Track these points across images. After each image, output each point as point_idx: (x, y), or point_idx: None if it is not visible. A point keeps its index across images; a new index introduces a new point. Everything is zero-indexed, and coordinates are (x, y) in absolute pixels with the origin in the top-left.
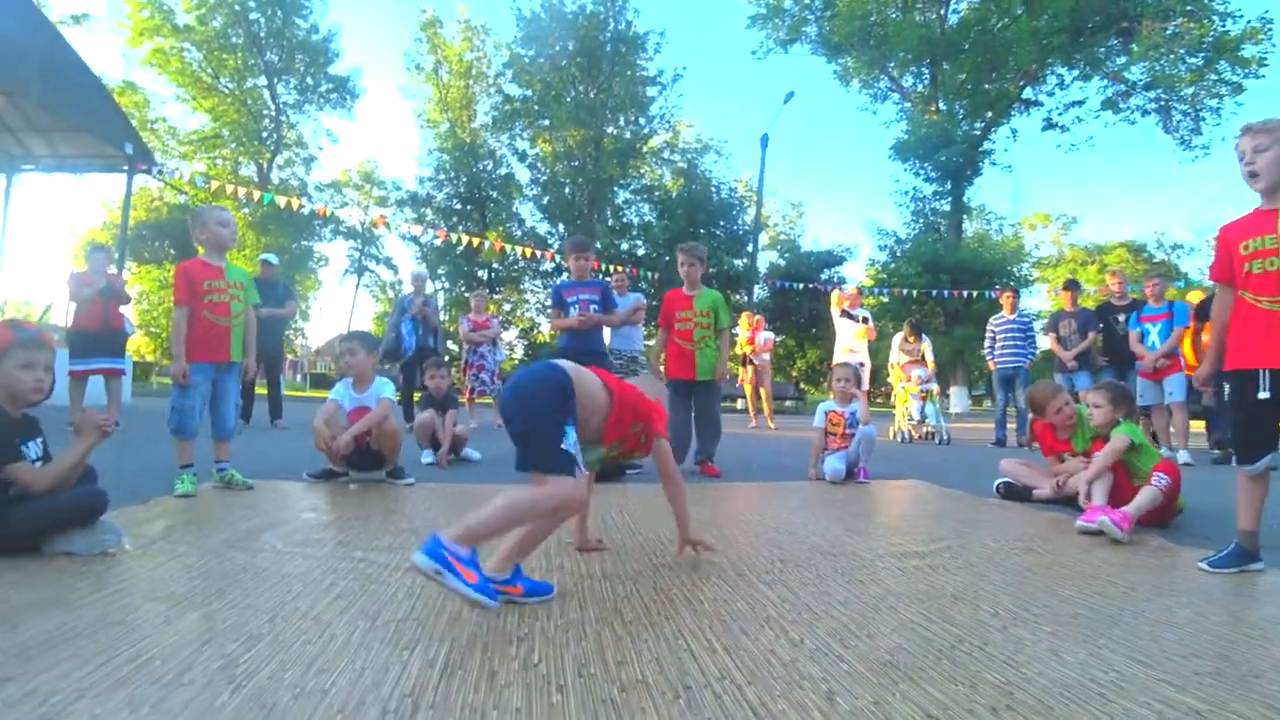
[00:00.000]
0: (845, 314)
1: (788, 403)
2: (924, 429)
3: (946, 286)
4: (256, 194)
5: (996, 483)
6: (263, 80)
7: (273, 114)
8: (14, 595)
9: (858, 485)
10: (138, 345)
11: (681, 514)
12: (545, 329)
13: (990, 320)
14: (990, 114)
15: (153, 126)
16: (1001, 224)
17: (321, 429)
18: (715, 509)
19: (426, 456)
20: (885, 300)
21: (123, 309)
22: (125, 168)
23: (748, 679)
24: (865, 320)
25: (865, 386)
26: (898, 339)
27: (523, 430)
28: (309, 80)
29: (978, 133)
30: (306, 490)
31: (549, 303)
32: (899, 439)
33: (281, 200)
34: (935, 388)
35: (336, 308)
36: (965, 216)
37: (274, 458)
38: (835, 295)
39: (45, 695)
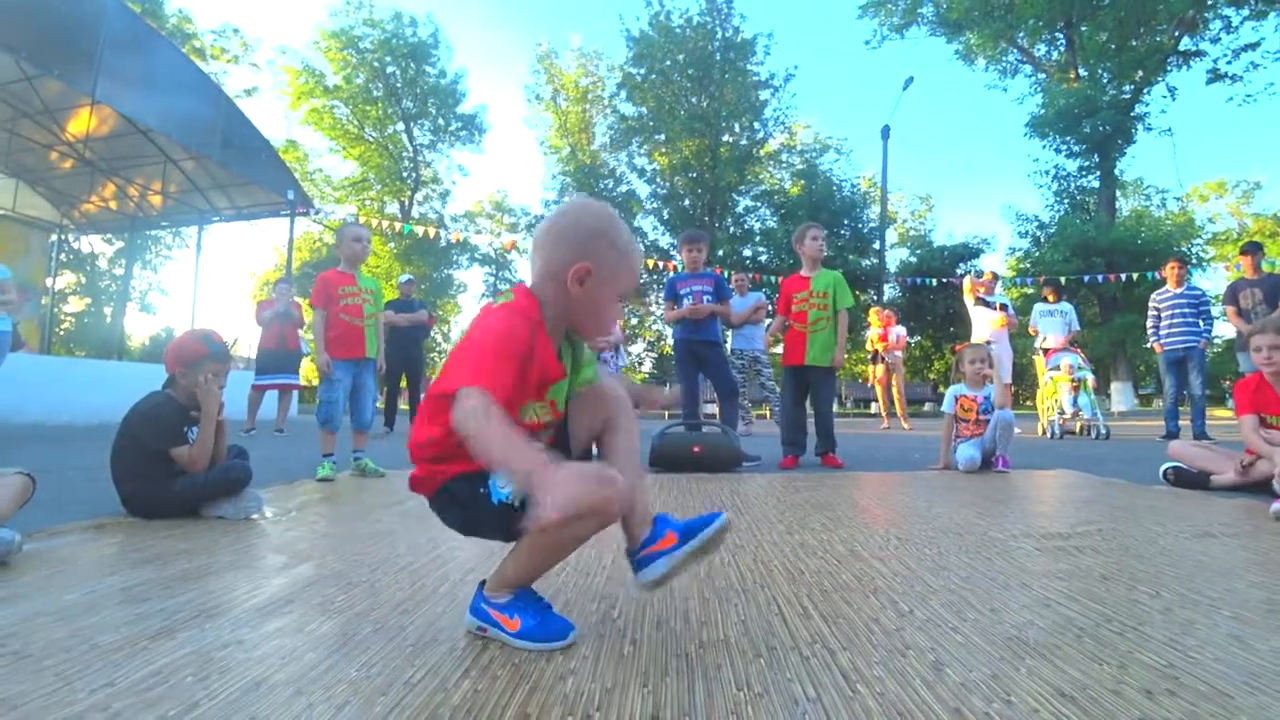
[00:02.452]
0: (981, 301)
1: (925, 406)
2: (1077, 422)
3: (1100, 271)
4: (399, 227)
5: (1164, 467)
6: (401, 126)
7: (411, 155)
8: (170, 544)
9: (995, 474)
10: (305, 370)
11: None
12: (671, 339)
13: (1153, 296)
14: (1141, 73)
15: (312, 177)
16: (1164, 197)
17: None
18: (833, 494)
19: None
20: (1030, 290)
21: (300, 331)
22: (289, 213)
23: (842, 645)
24: (1003, 307)
25: (1008, 380)
26: (1038, 306)
27: None
28: (441, 121)
29: (1127, 96)
30: None
31: (663, 296)
32: (1047, 434)
33: (420, 230)
34: (1090, 377)
35: None
36: (1119, 192)
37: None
38: (968, 283)
39: (170, 614)
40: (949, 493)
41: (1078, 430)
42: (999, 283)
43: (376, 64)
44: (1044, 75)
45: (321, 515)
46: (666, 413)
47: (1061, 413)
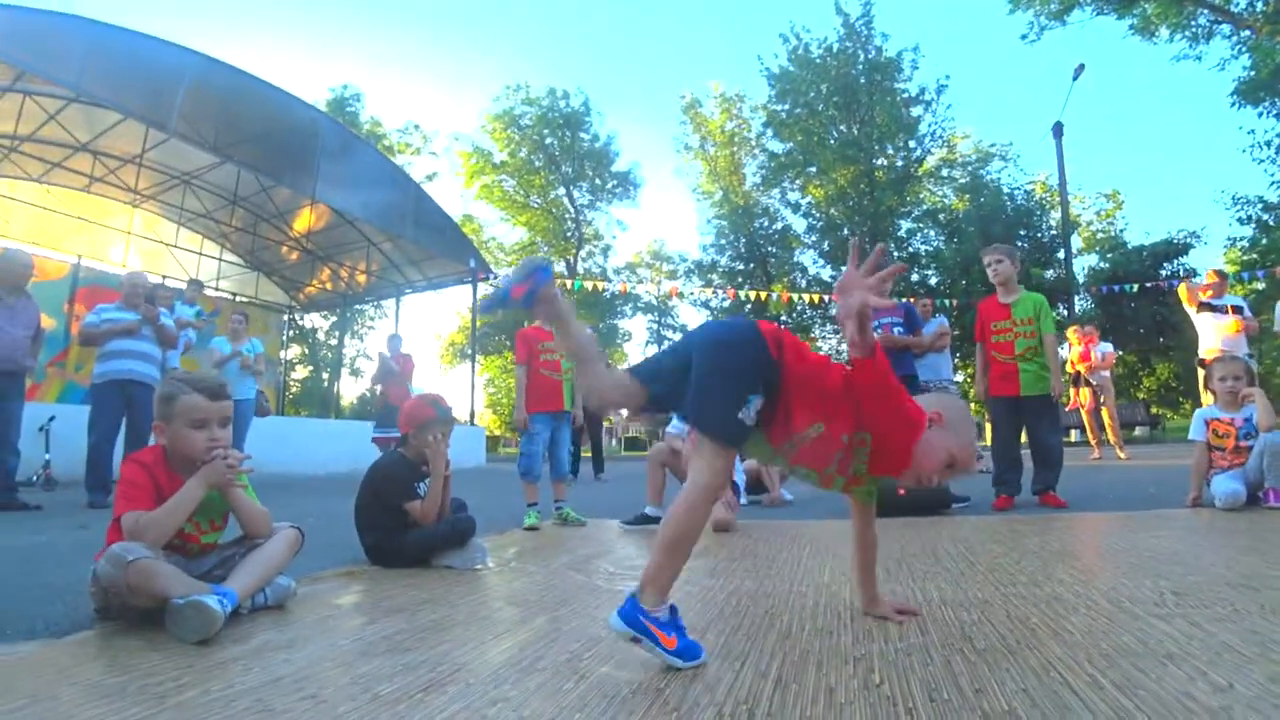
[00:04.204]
0: (1205, 306)
1: (1136, 431)
2: None
3: None
4: (569, 284)
5: None
6: (562, 190)
7: (573, 216)
8: (411, 593)
9: (1266, 511)
10: (487, 421)
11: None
12: None
13: None
14: None
15: (486, 245)
16: None
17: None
18: (1065, 538)
19: (742, 498)
20: (1261, 286)
21: (410, 385)
22: (471, 279)
23: None
24: (1236, 310)
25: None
26: None
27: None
28: (598, 181)
29: None
30: (629, 531)
31: None
32: None
33: (589, 284)
34: None
35: None
36: None
37: (600, 504)
38: (1184, 289)
39: (433, 665)
40: (1215, 535)
41: None
42: (1227, 282)
43: (536, 137)
44: (1248, 32)
45: (539, 566)
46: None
47: None
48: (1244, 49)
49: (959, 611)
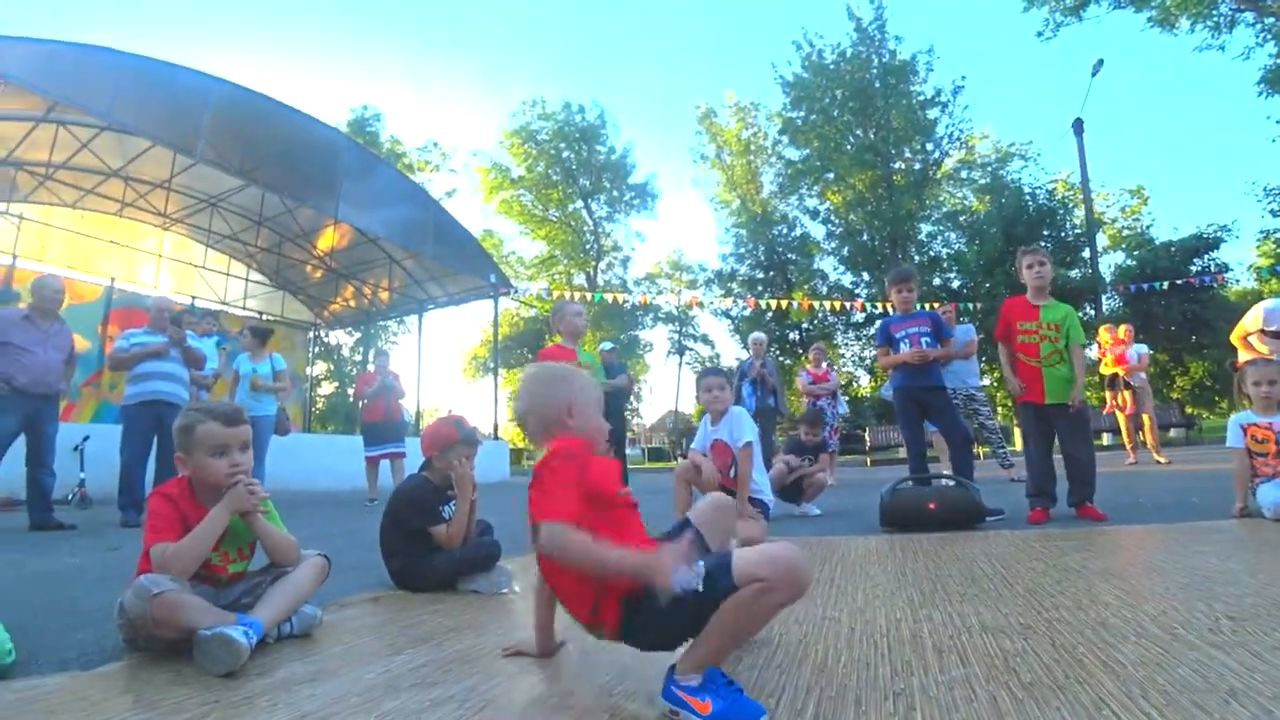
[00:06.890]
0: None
1: (1172, 432)
2: None
3: None
4: (589, 296)
5: None
6: (580, 203)
7: (591, 228)
8: (437, 620)
9: None
10: (511, 434)
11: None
12: (864, 382)
13: None
14: None
15: (506, 260)
16: None
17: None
18: (1107, 556)
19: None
20: None
21: (400, 402)
22: (492, 294)
23: None
24: None
25: None
26: None
27: None
28: (615, 193)
29: None
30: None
31: (877, 341)
32: None
33: (609, 297)
34: None
35: (663, 388)
36: None
37: None
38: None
39: (460, 701)
40: (1267, 551)
41: None
42: None
43: (553, 151)
44: (1272, 19)
45: None
46: (868, 459)
47: None
48: (1269, 36)
49: (1000, 639)
